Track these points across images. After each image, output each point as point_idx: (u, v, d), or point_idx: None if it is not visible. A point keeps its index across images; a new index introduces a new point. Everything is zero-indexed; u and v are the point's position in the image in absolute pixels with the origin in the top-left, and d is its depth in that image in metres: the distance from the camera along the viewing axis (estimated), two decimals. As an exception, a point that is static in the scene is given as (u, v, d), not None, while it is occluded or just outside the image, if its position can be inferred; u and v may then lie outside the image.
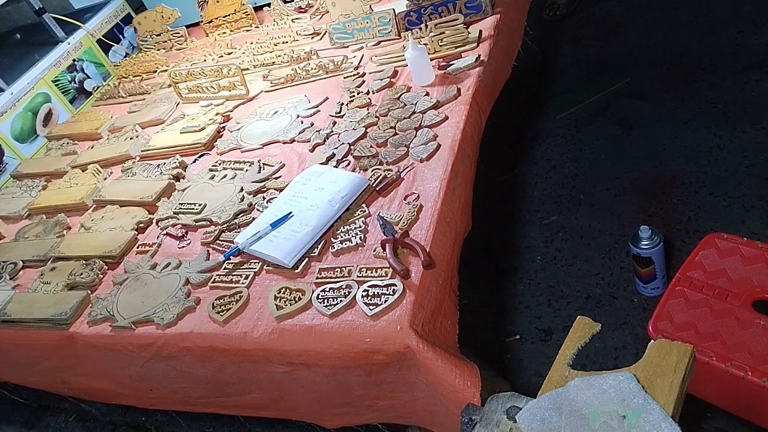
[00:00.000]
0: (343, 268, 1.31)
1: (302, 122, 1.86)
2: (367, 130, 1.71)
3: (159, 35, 2.76)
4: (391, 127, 1.67)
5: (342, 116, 1.81)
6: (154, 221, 1.72)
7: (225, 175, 1.77)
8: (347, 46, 2.16)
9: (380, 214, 1.39)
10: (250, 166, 1.76)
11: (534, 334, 1.74)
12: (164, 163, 1.92)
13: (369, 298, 1.21)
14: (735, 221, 1.76)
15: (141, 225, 1.72)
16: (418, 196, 1.41)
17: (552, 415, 0.97)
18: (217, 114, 2.07)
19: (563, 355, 1.05)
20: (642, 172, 2.04)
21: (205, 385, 1.42)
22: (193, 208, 1.68)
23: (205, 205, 1.68)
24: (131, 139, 2.13)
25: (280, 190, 1.60)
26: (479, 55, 1.77)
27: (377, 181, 1.49)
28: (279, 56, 2.24)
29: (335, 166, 1.62)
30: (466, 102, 1.63)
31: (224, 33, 2.64)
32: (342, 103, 1.86)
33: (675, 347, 0.98)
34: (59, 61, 2.55)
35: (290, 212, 1.47)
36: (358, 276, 1.28)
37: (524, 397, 1.04)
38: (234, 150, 1.90)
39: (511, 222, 2.10)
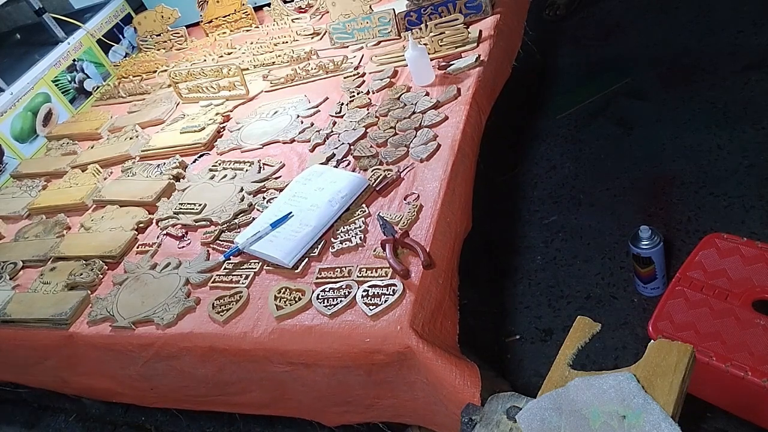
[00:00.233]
0: (343, 268, 1.31)
1: (302, 122, 1.86)
2: (367, 130, 1.71)
3: (159, 35, 2.76)
4: (391, 127, 1.67)
5: (342, 116, 1.81)
6: (154, 221, 1.72)
7: (225, 175, 1.77)
8: (347, 46, 2.16)
9: (380, 214, 1.39)
10: (250, 166, 1.76)
11: (534, 334, 1.74)
12: (164, 163, 1.92)
13: (369, 298, 1.21)
14: (735, 221, 1.76)
15: (141, 225, 1.72)
16: (418, 196, 1.41)
17: (552, 415, 0.97)
18: (217, 114, 2.07)
19: (563, 355, 1.05)
20: (642, 172, 2.04)
21: (206, 384, 1.42)
22: (193, 208, 1.68)
23: (205, 205, 1.68)
24: (131, 139, 2.13)
25: (280, 190, 1.60)
26: (479, 55, 1.77)
27: (377, 181, 1.49)
28: (279, 56, 2.24)
29: (335, 166, 1.62)
30: (466, 102, 1.63)
31: (224, 33, 2.64)
32: (342, 103, 1.86)
33: (675, 347, 0.98)
34: (59, 61, 2.55)
35: (290, 212, 1.47)
36: (358, 276, 1.28)
37: (524, 397, 1.04)
38: (234, 150, 1.90)
39: (511, 222, 2.10)
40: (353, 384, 1.25)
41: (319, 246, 1.40)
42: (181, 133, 2.04)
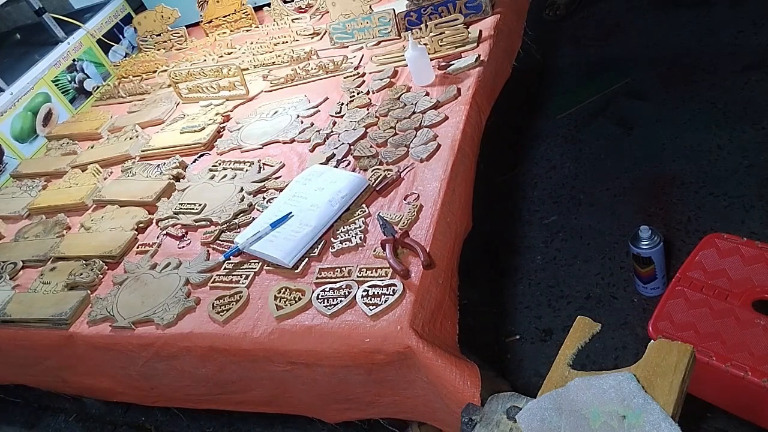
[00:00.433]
0: (343, 268, 1.31)
1: (302, 122, 1.86)
2: (367, 130, 1.71)
3: (159, 35, 2.76)
4: (391, 127, 1.67)
5: (342, 116, 1.81)
6: (154, 221, 1.72)
7: (225, 175, 1.77)
8: (347, 46, 2.16)
9: (380, 214, 1.39)
10: (250, 166, 1.76)
11: (534, 334, 1.74)
12: (164, 163, 1.92)
13: (369, 298, 1.21)
14: (735, 221, 1.76)
15: (141, 225, 1.72)
16: (418, 196, 1.41)
17: (552, 415, 0.97)
18: (217, 114, 2.07)
19: (563, 355, 1.05)
20: (642, 172, 2.04)
21: (206, 383, 1.42)
22: (193, 208, 1.68)
23: (205, 205, 1.68)
24: (131, 139, 2.13)
25: (280, 190, 1.60)
26: (479, 55, 1.77)
27: (377, 181, 1.49)
28: (279, 56, 2.24)
29: (335, 166, 1.62)
30: (466, 102, 1.63)
31: (224, 33, 2.64)
32: (342, 103, 1.86)
33: (675, 347, 0.98)
34: (59, 61, 2.55)
35: (290, 212, 1.47)
36: (358, 276, 1.28)
37: (524, 397, 1.04)
38: (234, 150, 1.90)
39: (511, 222, 2.10)
40: (354, 383, 1.25)
41: (319, 246, 1.40)
42: (181, 133, 2.04)
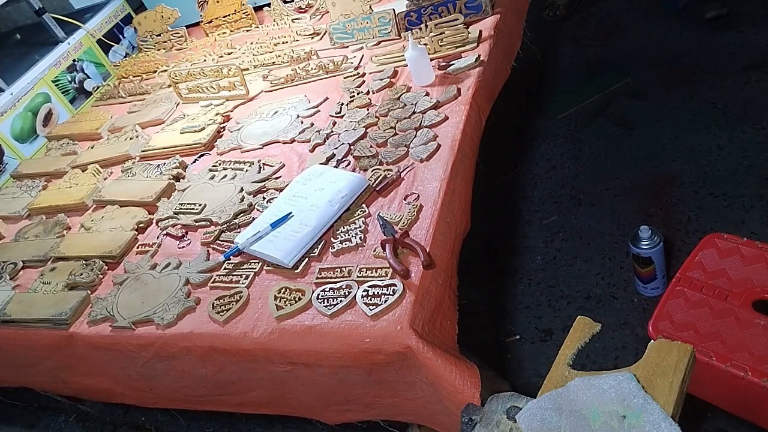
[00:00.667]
0: (343, 268, 1.31)
1: (302, 122, 1.86)
2: (367, 130, 1.71)
3: (159, 35, 2.76)
4: (391, 127, 1.67)
5: (342, 116, 1.81)
6: (154, 221, 1.72)
7: (225, 175, 1.77)
8: (347, 46, 2.16)
9: (380, 214, 1.39)
10: (250, 166, 1.76)
11: (534, 334, 1.74)
12: (164, 163, 1.92)
13: (369, 298, 1.21)
14: (735, 221, 1.76)
15: (141, 225, 1.72)
16: (418, 196, 1.41)
17: (552, 415, 0.97)
18: (217, 114, 2.07)
19: (563, 355, 1.05)
20: (642, 172, 2.04)
21: (206, 384, 1.42)
22: (193, 208, 1.68)
23: (205, 205, 1.68)
24: (131, 139, 2.13)
25: (280, 190, 1.60)
26: (479, 55, 1.77)
27: (377, 181, 1.49)
28: (279, 56, 2.24)
29: (335, 166, 1.62)
30: (466, 102, 1.63)
31: (224, 33, 2.64)
32: (342, 103, 1.86)
33: (675, 347, 0.98)
34: (59, 61, 2.55)
35: (290, 212, 1.47)
36: (358, 276, 1.28)
37: (524, 397, 1.04)
38: (234, 150, 1.90)
39: (511, 222, 2.10)
40: (353, 383, 1.25)
41: (319, 246, 1.40)
42: (181, 133, 2.04)
